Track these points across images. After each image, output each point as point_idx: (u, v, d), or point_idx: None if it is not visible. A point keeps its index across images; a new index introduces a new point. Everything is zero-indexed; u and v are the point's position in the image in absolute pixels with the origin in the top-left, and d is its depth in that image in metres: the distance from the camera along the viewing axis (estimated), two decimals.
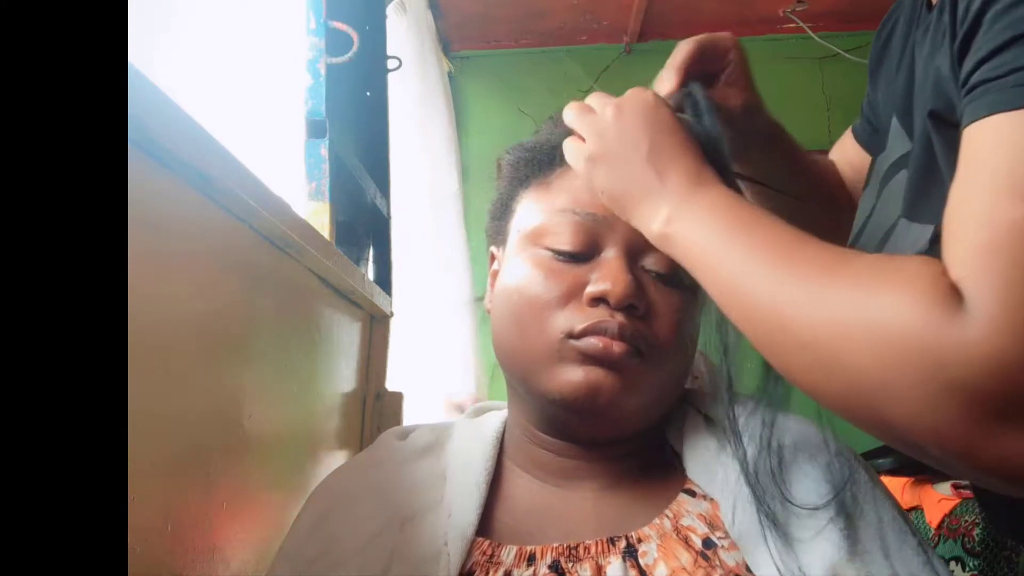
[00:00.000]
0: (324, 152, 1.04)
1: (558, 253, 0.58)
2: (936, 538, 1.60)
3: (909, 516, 0.58)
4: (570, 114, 0.60)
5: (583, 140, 0.58)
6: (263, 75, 1.21)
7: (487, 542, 0.55)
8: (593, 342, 0.55)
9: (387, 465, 0.63)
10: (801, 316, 0.44)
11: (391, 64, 1.38)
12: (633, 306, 0.56)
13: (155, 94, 0.51)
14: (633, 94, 0.58)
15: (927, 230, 0.55)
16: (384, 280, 1.28)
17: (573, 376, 0.55)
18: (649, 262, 0.58)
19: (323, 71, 1.07)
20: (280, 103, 1.17)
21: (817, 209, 0.81)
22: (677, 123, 0.56)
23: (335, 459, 0.94)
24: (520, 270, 0.59)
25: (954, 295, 0.38)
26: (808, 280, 0.44)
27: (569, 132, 0.64)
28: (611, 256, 0.58)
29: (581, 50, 2.45)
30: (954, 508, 1.59)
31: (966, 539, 1.54)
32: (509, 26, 2.39)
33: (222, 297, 0.65)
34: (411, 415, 1.20)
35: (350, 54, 1.10)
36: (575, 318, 0.56)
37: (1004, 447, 0.37)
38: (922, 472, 1.71)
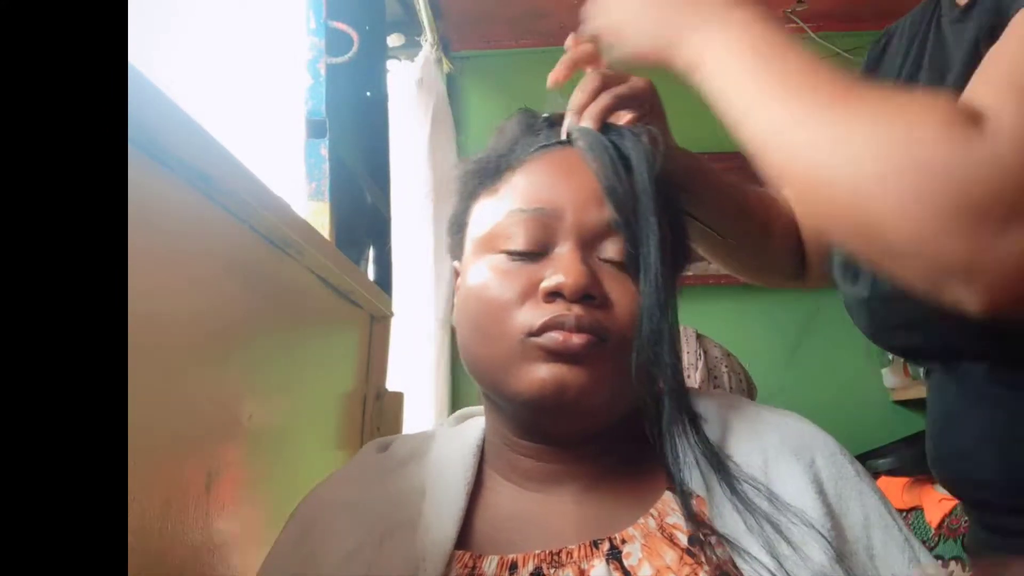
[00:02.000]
0: (324, 152, 1.04)
1: (511, 253, 0.58)
2: (936, 538, 1.60)
3: (896, 510, 0.58)
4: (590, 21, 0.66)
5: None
6: (263, 75, 1.20)
7: (467, 554, 0.55)
8: (553, 336, 0.54)
9: (367, 479, 0.62)
10: (809, 146, 0.47)
11: (390, 66, 1.38)
12: (589, 295, 0.55)
13: (155, 94, 0.51)
14: None
15: None
16: (384, 280, 1.28)
17: (538, 374, 0.54)
18: (604, 251, 0.58)
19: (323, 71, 1.07)
20: (280, 103, 1.17)
21: (745, 239, 0.83)
22: None
23: (335, 458, 0.94)
24: (476, 276, 0.59)
25: (972, 116, 0.42)
26: (823, 108, 0.48)
27: (520, 142, 0.65)
28: (564, 250, 0.57)
29: None
30: (954, 508, 1.59)
31: (966, 539, 1.54)
32: (509, 26, 2.39)
33: (222, 297, 0.65)
34: (411, 415, 1.20)
35: (350, 54, 1.10)
36: (533, 315, 0.55)
37: (981, 246, 0.41)
38: (922, 472, 1.71)
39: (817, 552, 0.51)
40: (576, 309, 0.54)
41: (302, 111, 1.05)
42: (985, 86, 0.45)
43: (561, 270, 0.55)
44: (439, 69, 2.15)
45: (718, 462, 0.56)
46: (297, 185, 1.03)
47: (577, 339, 0.54)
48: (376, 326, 1.13)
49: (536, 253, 0.58)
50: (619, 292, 0.57)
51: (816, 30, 2.35)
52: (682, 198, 0.68)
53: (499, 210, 0.60)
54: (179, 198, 0.57)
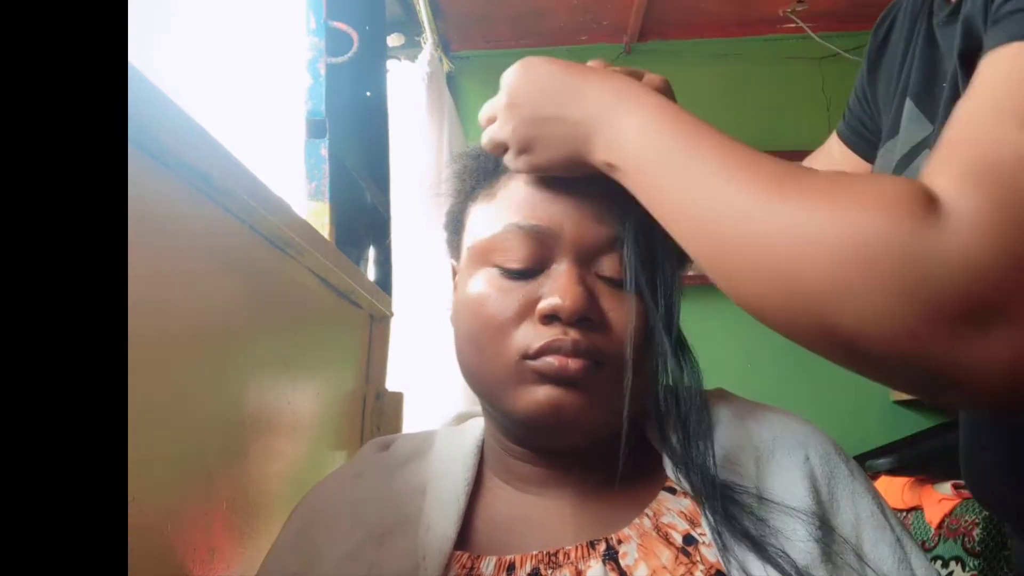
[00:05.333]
0: (324, 152, 1.04)
1: (506, 271, 0.57)
2: (936, 538, 1.60)
3: (891, 510, 0.57)
4: (484, 136, 0.60)
5: (506, 146, 0.58)
6: (263, 75, 1.21)
7: (466, 555, 0.55)
8: (549, 361, 0.53)
9: (368, 478, 0.62)
10: (752, 229, 0.42)
11: (394, 65, 1.38)
12: (586, 319, 0.54)
13: (156, 95, 0.51)
14: (509, 74, 0.58)
15: None
16: (384, 280, 1.28)
17: (534, 396, 0.54)
18: (603, 269, 0.57)
19: (323, 71, 1.07)
20: (280, 103, 1.17)
21: None
22: (554, 62, 0.56)
23: (335, 459, 0.94)
24: (472, 289, 0.58)
25: (930, 202, 0.37)
26: (763, 194, 0.43)
27: None
28: (562, 269, 0.56)
29: (581, 50, 2.45)
30: (954, 508, 1.59)
31: (966, 539, 1.54)
32: (509, 26, 2.39)
33: (222, 297, 0.65)
34: (411, 415, 1.20)
35: (350, 54, 1.10)
36: (530, 337, 0.54)
37: (964, 352, 0.36)
38: (922, 472, 1.71)
39: (803, 555, 0.51)
40: (573, 333, 0.54)
41: (302, 111, 1.05)
42: (941, 162, 0.39)
43: (558, 291, 0.54)
44: (441, 68, 2.16)
45: (706, 469, 0.55)
46: (297, 185, 1.03)
47: (574, 364, 0.53)
48: (376, 326, 1.13)
49: (532, 271, 0.57)
50: (616, 312, 0.56)
51: (816, 30, 2.35)
52: None
53: (496, 221, 0.59)
54: (179, 198, 0.57)
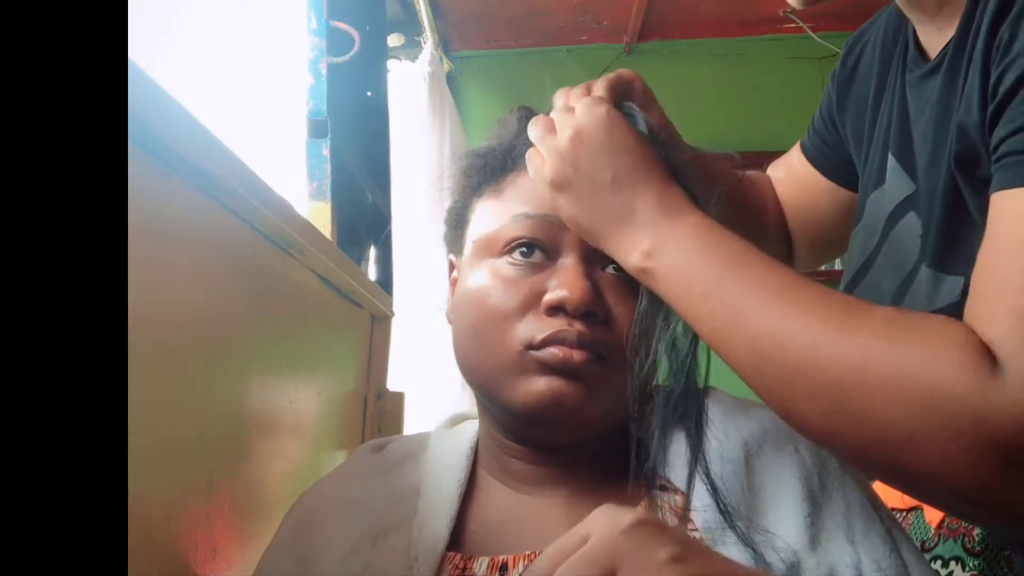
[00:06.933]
0: (326, 152, 1.04)
1: (514, 259, 0.57)
2: (936, 538, 1.60)
3: (881, 503, 0.58)
4: (534, 131, 0.59)
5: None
6: (264, 75, 1.21)
7: (459, 556, 0.55)
8: (553, 352, 0.54)
9: (362, 479, 0.63)
10: (817, 361, 0.44)
11: (394, 65, 1.38)
12: (592, 313, 0.55)
13: (158, 93, 0.51)
14: (588, 112, 0.56)
15: (958, 282, 0.56)
16: (385, 280, 1.28)
17: (535, 387, 0.54)
18: (608, 264, 0.57)
19: (324, 71, 1.07)
20: (282, 103, 1.17)
21: (740, 228, 0.82)
22: (637, 141, 0.56)
23: (336, 458, 0.94)
24: (477, 280, 0.58)
25: (987, 354, 0.40)
26: (823, 324, 0.45)
27: (522, 138, 0.63)
28: (568, 262, 0.56)
29: (581, 50, 2.45)
30: None
31: (966, 539, 1.53)
32: (509, 26, 2.39)
33: (223, 296, 0.65)
34: (412, 415, 1.20)
35: (351, 54, 1.10)
36: (534, 327, 0.55)
37: None
38: None
39: (793, 542, 0.51)
40: (578, 325, 0.54)
41: (303, 111, 1.05)
42: (988, 311, 0.42)
43: (565, 284, 0.55)
44: (441, 68, 2.16)
45: (697, 459, 0.56)
46: (298, 185, 1.04)
47: (578, 356, 0.54)
48: (377, 326, 1.13)
49: (540, 260, 0.57)
50: (621, 307, 0.56)
51: (816, 30, 2.35)
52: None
53: (504, 213, 0.59)
54: (180, 197, 0.57)
